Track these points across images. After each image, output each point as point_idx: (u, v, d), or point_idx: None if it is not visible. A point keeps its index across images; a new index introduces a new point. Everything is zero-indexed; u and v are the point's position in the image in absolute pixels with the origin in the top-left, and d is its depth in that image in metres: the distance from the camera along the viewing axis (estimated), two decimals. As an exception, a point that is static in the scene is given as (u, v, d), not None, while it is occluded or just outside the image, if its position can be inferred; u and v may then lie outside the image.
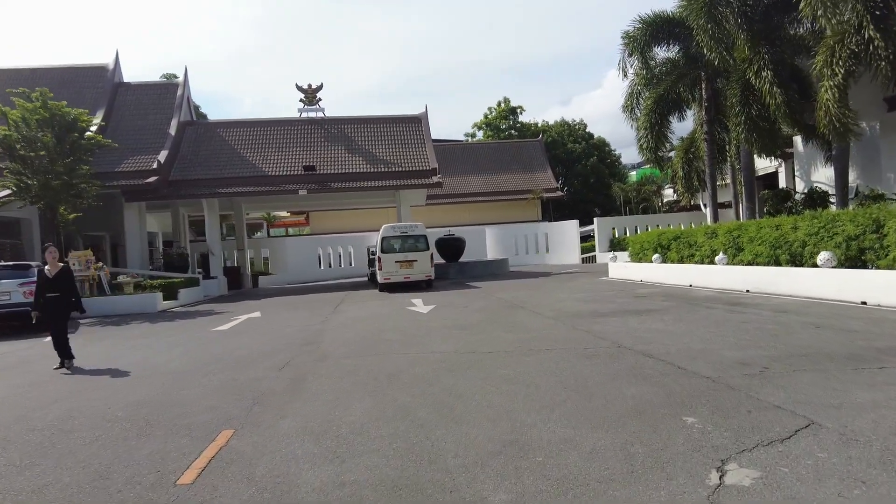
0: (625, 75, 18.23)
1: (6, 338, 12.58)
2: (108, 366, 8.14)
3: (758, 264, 12.78)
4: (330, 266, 33.69)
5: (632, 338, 7.60)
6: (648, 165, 60.97)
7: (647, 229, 31.62)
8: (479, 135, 60.82)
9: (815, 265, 11.20)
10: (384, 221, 24.47)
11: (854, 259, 10.31)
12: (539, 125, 59.72)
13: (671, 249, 16.61)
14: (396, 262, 18.86)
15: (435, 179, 24.37)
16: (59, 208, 18.81)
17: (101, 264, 18.83)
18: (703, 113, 18.55)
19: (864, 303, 9.65)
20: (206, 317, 14.74)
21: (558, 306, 11.79)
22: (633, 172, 67.10)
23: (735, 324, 8.25)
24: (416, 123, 27.80)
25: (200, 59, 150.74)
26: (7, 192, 17.97)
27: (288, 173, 24.85)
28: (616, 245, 30.97)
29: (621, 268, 18.85)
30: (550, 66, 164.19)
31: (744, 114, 14.74)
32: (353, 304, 15.44)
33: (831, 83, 11.37)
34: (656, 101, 18.07)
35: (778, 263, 12.15)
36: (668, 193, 49.52)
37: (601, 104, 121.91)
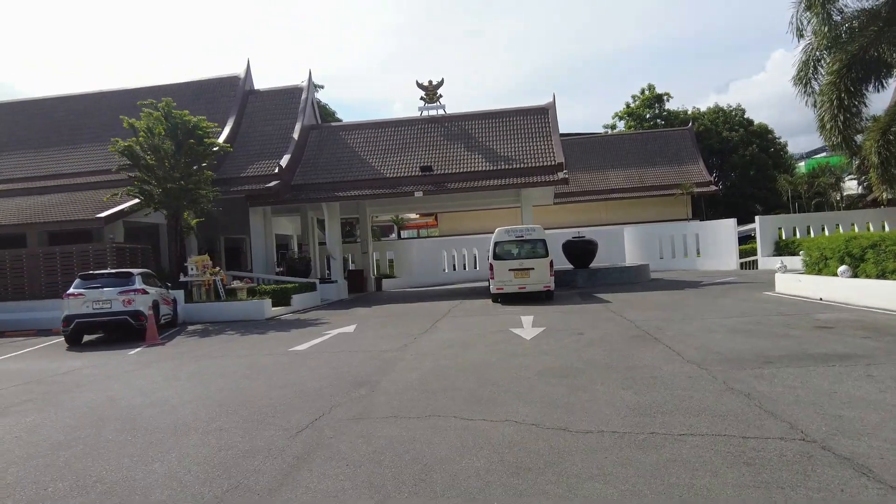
0: (799, 36, 14.25)
1: (101, 346, 12.54)
2: (117, 395, 7.05)
3: None
4: (454, 269, 32.36)
5: (823, 416, 4.81)
6: (826, 154, 52.05)
7: (824, 230, 26.14)
8: (621, 126, 56.23)
9: None
10: (513, 222, 22.39)
11: None
12: (689, 112, 53.67)
13: (866, 260, 12.58)
14: (510, 270, 16.69)
15: (560, 175, 21.77)
16: (183, 213, 19.29)
17: (218, 269, 18.95)
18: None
19: None
20: (303, 328, 13.77)
21: (706, 339, 8.90)
22: (802, 163, 57.90)
23: None
24: (542, 115, 25.32)
25: (347, 68, 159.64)
26: (135, 200, 18.70)
27: (405, 175, 23.74)
28: (783, 249, 25.97)
29: (792, 281, 14.94)
30: (702, 50, 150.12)
31: None
32: (455, 319, 13.58)
33: None
34: (847, 64, 13.85)
35: None
36: (850, 186, 41.41)
37: (763, 90, 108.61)
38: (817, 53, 15.02)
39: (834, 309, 11.78)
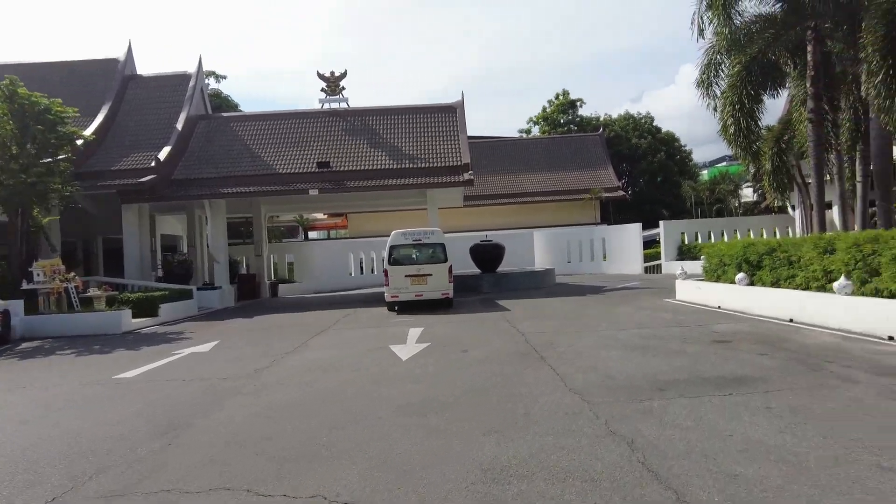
0: (700, 35, 13.91)
1: None
2: None
3: (907, 297, 8.46)
4: (362, 272, 30.70)
5: (716, 476, 3.79)
6: (727, 163, 54.65)
7: (723, 235, 26.79)
8: (536, 130, 56.61)
9: None
10: (422, 224, 21.14)
11: None
12: (601, 119, 54.79)
13: (762, 267, 12.29)
14: (407, 276, 15.39)
15: (466, 176, 20.76)
16: (31, 211, 16.58)
17: (72, 275, 16.37)
18: (809, 85, 13.95)
19: None
20: (156, 346, 11.78)
21: (596, 358, 7.95)
22: (705, 171, 60.79)
23: (923, 440, 4.26)
24: (450, 114, 24.27)
25: (278, 63, 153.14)
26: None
27: (301, 171, 21.93)
28: (686, 253, 26.38)
29: (692, 289, 14.59)
30: (619, 62, 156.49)
31: (885, 69, 10.18)
32: (337, 333, 12.09)
33: None
34: (746, 66, 13.61)
35: (947, 299, 7.83)
36: (747, 193, 43.62)
37: (674, 101, 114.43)
38: (718, 57, 14.80)
39: (731, 318, 11.33)
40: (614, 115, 55.34)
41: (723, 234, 26.77)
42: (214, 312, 19.00)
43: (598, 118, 55.34)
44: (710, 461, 4.09)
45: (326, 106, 24.84)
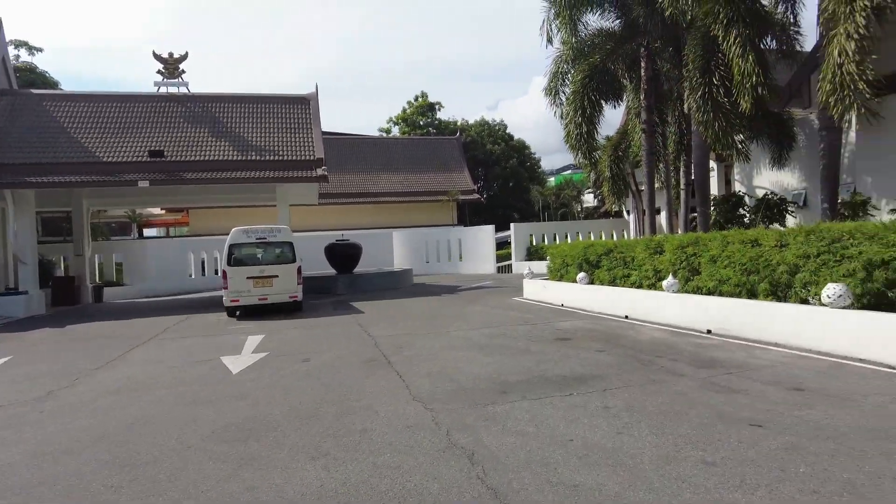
0: (549, 42, 14.49)
1: None
2: None
3: (722, 294, 9.27)
4: (204, 273, 28.21)
5: (555, 488, 3.57)
6: (571, 171, 58.75)
7: (567, 237, 28.55)
8: (396, 131, 56.50)
9: (805, 301, 7.78)
10: (274, 222, 19.71)
11: (876, 296, 6.88)
12: (458, 123, 56.11)
13: (601, 267, 12.99)
14: (249, 277, 14.15)
15: (319, 172, 19.77)
16: None
17: None
18: (642, 98, 15.11)
19: (904, 368, 6.20)
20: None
21: (444, 361, 7.67)
22: (553, 178, 64.97)
23: (745, 432, 4.43)
24: (303, 105, 23.05)
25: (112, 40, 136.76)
26: None
27: (129, 159, 19.42)
28: (534, 254, 27.70)
29: (539, 288, 15.10)
30: (477, 71, 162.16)
31: (703, 86, 11.23)
32: (162, 344, 10.66)
33: (850, 27, 7.91)
34: (589, 75, 14.36)
35: (753, 295, 8.65)
36: (588, 199, 47.24)
37: (527, 111, 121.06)
38: (565, 66, 15.51)
39: (573, 316, 11.77)
40: (471, 121, 57.06)
41: (567, 237, 28.50)
42: (17, 322, 16.11)
43: (455, 122, 56.63)
44: (551, 471, 3.87)
45: (164, 90, 22.35)
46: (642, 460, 4.01)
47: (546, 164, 70.10)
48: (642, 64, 15.20)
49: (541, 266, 18.73)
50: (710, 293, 9.54)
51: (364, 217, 37.61)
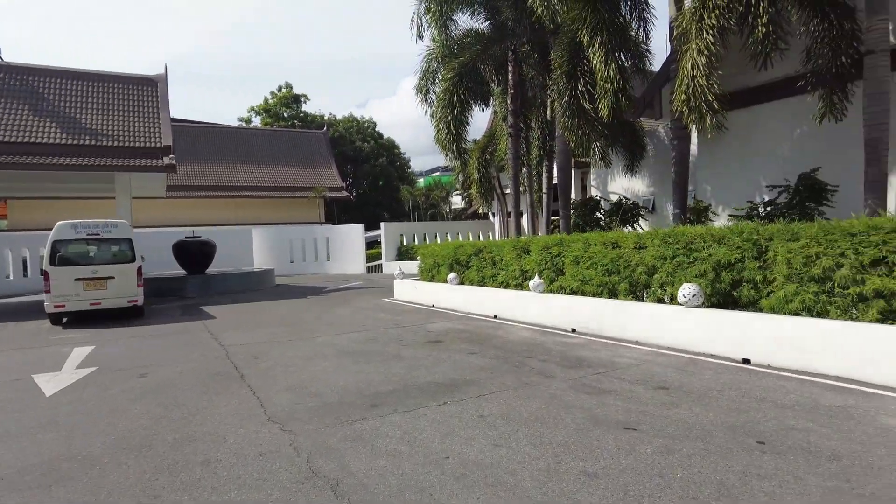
0: (419, 37, 14.20)
1: None
2: None
3: (585, 293, 9.54)
4: (26, 274, 24.35)
5: (433, 521, 3.15)
6: (440, 173, 59.52)
7: (437, 237, 28.73)
8: (257, 122, 53.41)
9: (661, 300, 8.19)
10: (112, 216, 17.31)
11: (723, 295, 7.37)
12: (325, 118, 54.43)
13: (471, 267, 12.96)
14: (78, 279, 12.21)
15: (166, 161, 17.78)
16: None
17: None
18: (509, 102, 15.37)
19: (748, 361, 6.66)
20: None
21: (307, 372, 6.99)
22: (422, 179, 65.54)
23: (622, 436, 4.34)
24: (150, 87, 20.68)
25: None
26: None
27: (-82, 136, 16.05)
28: (405, 254, 27.51)
29: (409, 288, 14.78)
30: (346, 68, 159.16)
31: (569, 91, 11.56)
32: (-43, 361, 8.74)
33: (701, 43, 8.50)
34: (459, 73, 14.26)
35: (614, 295, 8.97)
36: (456, 200, 48.20)
37: (396, 111, 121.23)
38: (435, 65, 15.35)
39: (444, 317, 11.57)
40: (339, 116, 55.65)
41: (436, 237, 28.66)
42: None
43: (322, 116, 54.91)
44: (427, 498, 3.45)
45: (-33, 56, 18.84)
46: (523, 476, 3.73)
47: (415, 165, 70.92)
48: (509, 68, 15.48)
49: (411, 266, 18.48)
50: (573, 293, 9.78)
51: (221, 212, 34.99)
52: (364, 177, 51.82)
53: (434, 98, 15.56)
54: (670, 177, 12.32)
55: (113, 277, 12.52)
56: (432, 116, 15.38)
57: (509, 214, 28.31)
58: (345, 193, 40.23)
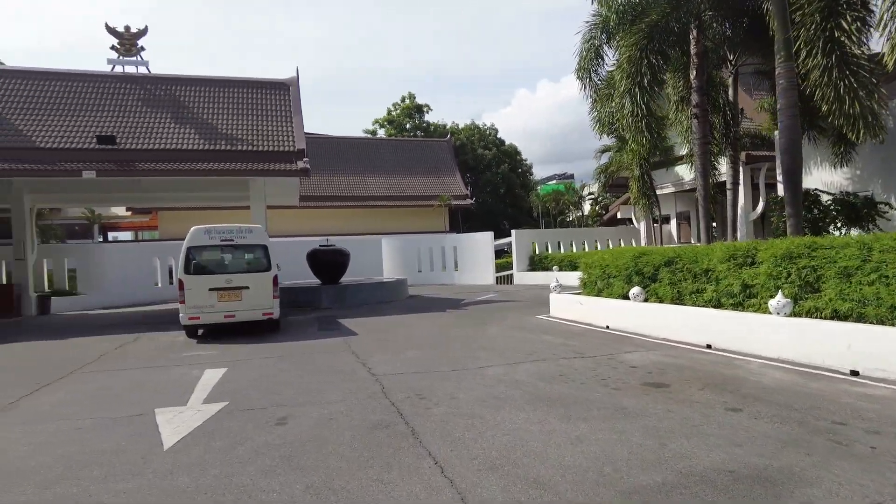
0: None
1: None
2: None
3: (865, 318, 6.64)
4: (171, 283, 24.97)
5: None
6: (555, 181, 56.07)
7: (572, 246, 25.99)
8: (381, 133, 53.70)
9: None
10: (249, 223, 16.84)
11: None
12: (448, 126, 53.55)
13: (659, 280, 10.32)
14: (212, 289, 11.18)
15: (300, 165, 16.88)
16: None
17: None
18: (693, 77, 12.52)
19: None
20: None
21: (502, 431, 4.86)
22: (539, 188, 62.68)
23: None
24: (282, 91, 20.17)
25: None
26: None
27: (73, 146, 16.32)
28: (537, 263, 25.12)
29: (572, 304, 12.37)
30: (464, 81, 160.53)
31: (825, 32, 8.49)
32: (85, 378, 7.67)
33: None
34: (647, 35, 11.63)
35: (929, 323, 6.02)
36: (586, 207, 44.93)
37: (510, 122, 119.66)
38: (597, 42, 12.88)
39: (634, 343, 9.06)
40: (461, 125, 54.54)
41: (571, 245, 25.99)
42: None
43: (445, 125, 54.11)
44: None
45: (119, 69, 19.33)
46: None
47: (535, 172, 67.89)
48: (692, 36, 12.64)
49: (565, 280, 15.92)
50: (844, 318, 6.89)
51: (348, 222, 34.71)
52: (486, 184, 50.12)
53: (596, 79, 13.05)
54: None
55: (248, 287, 11.38)
56: (596, 101, 12.91)
57: (656, 221, 24.96)
58: (469, 201, 38.68)
